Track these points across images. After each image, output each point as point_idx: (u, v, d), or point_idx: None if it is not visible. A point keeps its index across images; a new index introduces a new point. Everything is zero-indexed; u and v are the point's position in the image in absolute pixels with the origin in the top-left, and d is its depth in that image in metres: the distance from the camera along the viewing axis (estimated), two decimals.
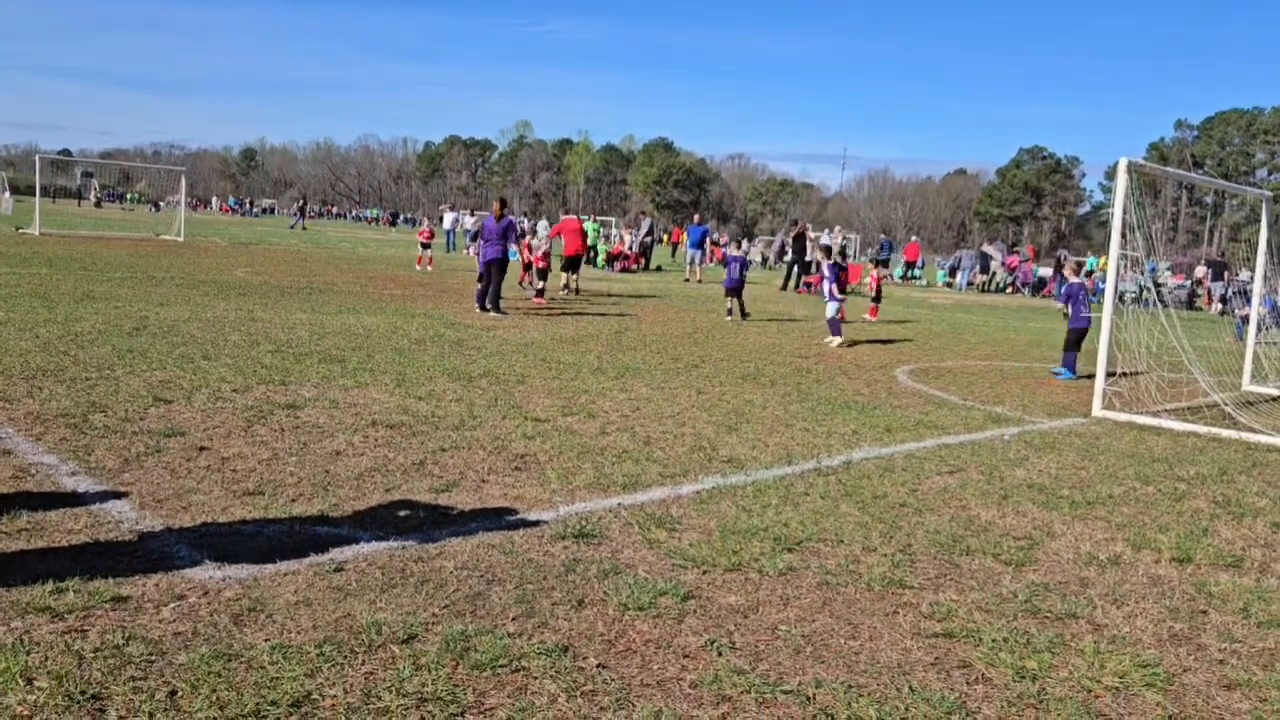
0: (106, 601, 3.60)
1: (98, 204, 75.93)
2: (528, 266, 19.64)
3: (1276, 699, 3.55)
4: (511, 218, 16.03)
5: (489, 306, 15.06)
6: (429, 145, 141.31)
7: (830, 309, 14.60)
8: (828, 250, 17.06)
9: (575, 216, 23.37)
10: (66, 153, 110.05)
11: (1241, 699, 3.55)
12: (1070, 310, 12.57)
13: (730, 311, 16.95)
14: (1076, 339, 12.32)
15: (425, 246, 25.89)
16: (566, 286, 19.74)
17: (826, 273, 15.41)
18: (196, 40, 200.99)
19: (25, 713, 2.85)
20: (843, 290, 18.70)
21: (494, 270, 15.28)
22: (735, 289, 17.00)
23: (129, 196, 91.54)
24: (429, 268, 24.91)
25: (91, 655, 3.20)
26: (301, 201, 58.91)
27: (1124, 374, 10.18)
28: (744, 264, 17.58)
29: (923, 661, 3.65)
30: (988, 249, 41.42)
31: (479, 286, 15.52)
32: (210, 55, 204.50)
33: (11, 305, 11.51)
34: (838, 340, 14.11)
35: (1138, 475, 7.03)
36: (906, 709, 3.27)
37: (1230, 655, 3.92)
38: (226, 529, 4.49)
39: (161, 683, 3.06)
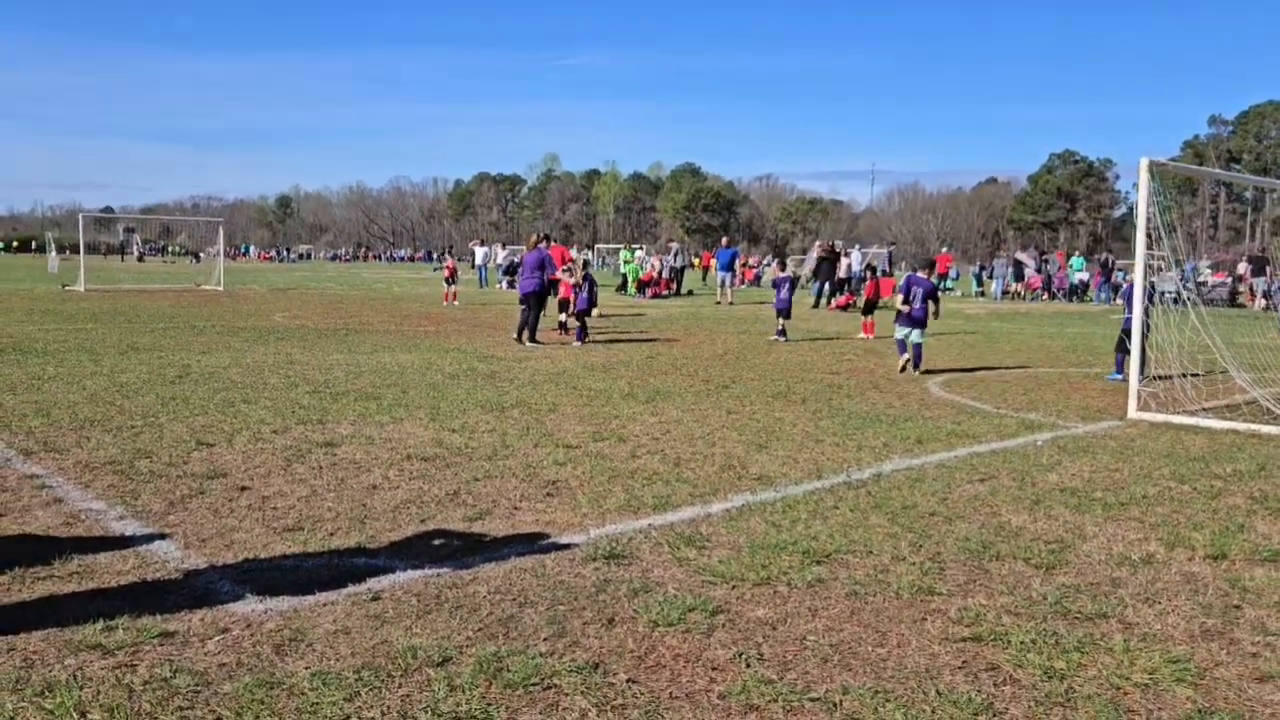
0: (154, 637, 3.74)
1: (140, 258, 77.79)
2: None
3: None
4: (543, 249, 16.23)
5: (524, 339, 15.25)
6: (459, 183, 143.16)
7: (900, 331, 12.64)
8: (931, 266, 14.29)
9: (558, 244, 24.25)
10: (109, 210, 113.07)
11: (1274, 690, 3.54)
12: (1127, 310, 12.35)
13: (782, 332, 16.90)
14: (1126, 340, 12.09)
15: (449, 282, 25.41)
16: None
17: (918, 291, 12.72)
18: (230, 93, 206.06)
19: None
20: (871, 308, 18.73)
21: (531, 302, 15.53)
22: (784, 310, 16.92)
23: (170, 250, 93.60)
24: (455, 303, 24.90)
25: (141, 688, 3.33)
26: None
27: (1157, 376, 10.09)
28: (792, 285, 17.57)
29: (950, 665, 3.68)
30: (1021, 256, 41.10)
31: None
32: (244, 107, 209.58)
33: (60, 360, 11.87)
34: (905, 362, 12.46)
35: (1173, 475, 6.98)
36: (933, 712, 3.31)
37: (1263, 649, 3.91)
38: (267, 564, 4.63)
39: (208, 711, 3.19)
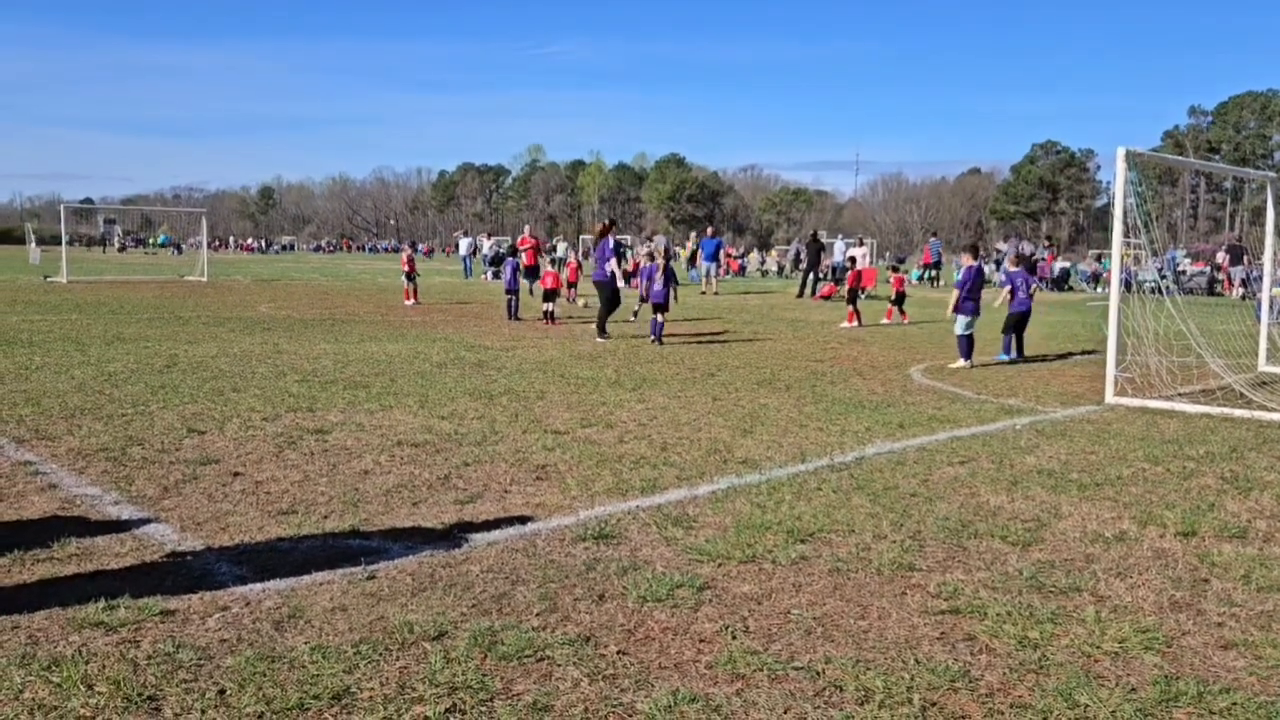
0: (156, 615, 3.84)
1: (121, 249, 77.22)
2: (572, 285, 22.35)
3: (1271, 656, 3.69)
4: (610, 240, 15.29)
5: (606, 332, 14.90)
6: (443, 174, 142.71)
7: (960, 324, 12.44)
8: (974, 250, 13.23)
9: (531, 235, 26.27)
10: (89, 201, 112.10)
11: (1237, 658, 3.69)
12: (1011, 295, 13.39)
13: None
14: (1014, 322, 13.26)
15: (409, 278, 22.08)
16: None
17: (963, 278, 12.77)
18: (212, 83, 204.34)
19: (88, 714, 3.08)
20: (854, 297, 18.88)
21: (603, 292, 14.97)
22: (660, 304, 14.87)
23: (151, 241, 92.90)
24: (413, 302, 21.75)
25: (145, 662, 3.43)
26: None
27: (1134, 360, 10.28)
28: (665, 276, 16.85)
29: (929, 636, 3.82)
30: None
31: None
32: (225, 98, 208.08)
33: (46, 350, 11.88)
34: (964, 364, 12.19)
35: (1147, 456, 7.15)
36: (912, 679, 3.44)
37: (1229, 619, 4.06)
38: (264, 546, 4.73)
39: (211, 683, 3.29)
